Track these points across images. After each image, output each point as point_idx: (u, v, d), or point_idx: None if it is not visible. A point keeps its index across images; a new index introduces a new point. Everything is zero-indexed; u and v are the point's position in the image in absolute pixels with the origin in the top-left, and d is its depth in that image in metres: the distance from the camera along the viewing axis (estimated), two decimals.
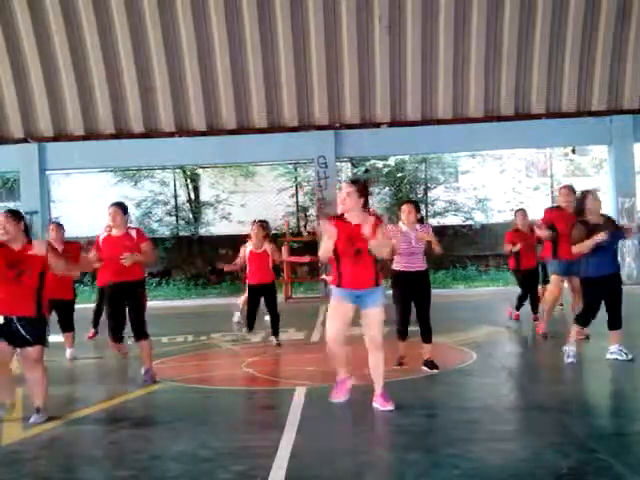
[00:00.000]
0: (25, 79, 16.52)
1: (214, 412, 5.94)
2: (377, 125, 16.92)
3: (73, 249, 8.80)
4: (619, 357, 7.02)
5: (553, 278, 8.84)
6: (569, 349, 7.03)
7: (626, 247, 16.52)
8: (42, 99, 16.66)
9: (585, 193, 7.25)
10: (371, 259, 5.50)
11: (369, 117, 16.91)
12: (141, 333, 6.99)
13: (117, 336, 7.19)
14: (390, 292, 6.99)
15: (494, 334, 9.67)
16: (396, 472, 4.16)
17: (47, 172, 17.49)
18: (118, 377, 7.82)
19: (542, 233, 8.71)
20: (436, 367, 6.98)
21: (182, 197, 22.13)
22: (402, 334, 7.09)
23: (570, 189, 8.95)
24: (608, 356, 7.08)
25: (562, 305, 10.84)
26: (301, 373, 7.34)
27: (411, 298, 6.99)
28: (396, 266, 6.99)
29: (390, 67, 16.42)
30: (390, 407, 5.45)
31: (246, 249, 9.34)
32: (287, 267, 16.54)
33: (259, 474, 4.09)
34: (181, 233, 21.68)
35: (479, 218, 21.84)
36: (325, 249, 5.52)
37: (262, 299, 9.43)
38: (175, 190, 21.69)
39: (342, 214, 5.55)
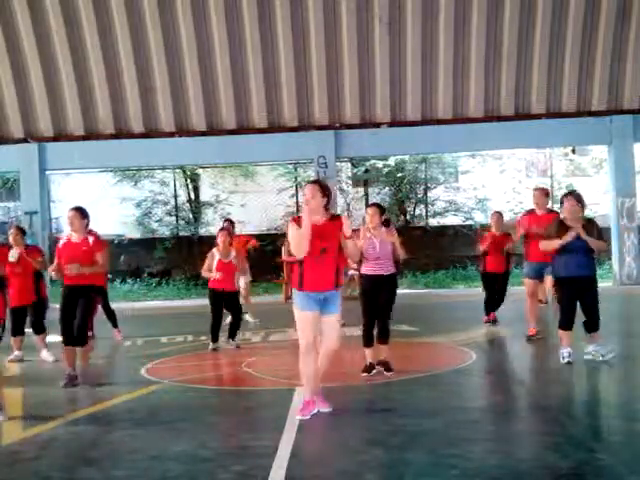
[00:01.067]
0: (25, 79, 16.51)
1: (214, 412, 5.94)
2: (377, 125, 16.91)
3: (32, 253, 8.74)
4: (594, 357, 7.02)
5: (526, 281, 8.86)
6: (564, 351, 7.04)
7: (626, 247, 16.52)
8: (42, 99, 16.66)
9: (564, 196, 7.24)
10: (333, 260, 5.45)
11: (369, 117, 16.90)
12: (80, 336, 6.95)
13: (68, 340, 7.01)
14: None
15: (494, 334, 9.67)
16: (396, 472, 4.16)
17: (47, 172, 17.47)
18: (118, 377, 7.82)
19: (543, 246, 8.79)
20: (391, 370, 6.86)
21: (182, 197, 22.11)
22: (368, 340, 6.93)
23: (542, 191, 9.00)
24: (585, 357, 7.09)
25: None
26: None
27: (377, 301, 6.89)
28: (363, 270, 6.97)
29: (390, 67, 16.41)
30: (326, 408, 5.42)
31: (214, 258, 9.24)
32: (286, 267, 16.53)
33: (259, 474, 4.09)
34: (181, 233, 21.66)
35: (479, 218, 21.82)
36: (299, 245, 5.40)
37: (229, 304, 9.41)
38: (175, 190, 21.68)
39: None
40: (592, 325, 7.01)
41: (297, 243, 5.41)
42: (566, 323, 6.99)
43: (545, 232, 7.25)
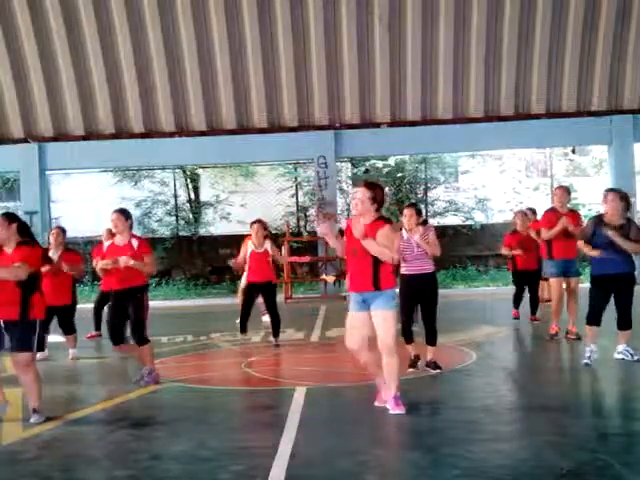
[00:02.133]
0: (25, 79, 16.51)
1: (214, 412, 5.93)
2: (377, 125, 16.91)
3: (70, 258, 8.76)
4: (625, 357, 6.99)
5: (552, 281, 8.85)
6: (587, 349, 7.00)
7: None
8: (42, 99, 16.66)
9: (606, 192, 7.16)
10: (369, 262, 5.39)
11: (369, 117, 16.90)
12: (141, 339, 6.90)
13: (118, 344, 7.05)
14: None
15: (494, 334, 9.67)
16: (396, 472, 4.16)
17: (47, 172, 17.49)
18: (118, 377, 7.81)
19: (544, 234, 8.76)
20: (439, 367, 7.00)
21: (182, 197, 22.12)
22: (407, 337, 7.09)
23: (564, 190, 8.98)
24: (615, 355, 7.06)
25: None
26: (301, 373, 7.34)
27: (415, 301, 7.06)
28: (402, 270, 7.04)
29: (390, 67, 16.41)
30: (400, 411, 5.37)
31: (247, 249, 9.29)
32: (287, 267, 16.54)
33: (259, 474, 4.08)
34: (181, 233, 21.67)
35: (479, 218, 21.84)
36: (339, 248, 5.63)
37: (260, 299, 9.41)
38: (175, 190, 21.69)
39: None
40: (625, 323, 6.98)
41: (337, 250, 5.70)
42: (593, 319, 6.98)
43: (582, 232, 7.21)
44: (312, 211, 19.75)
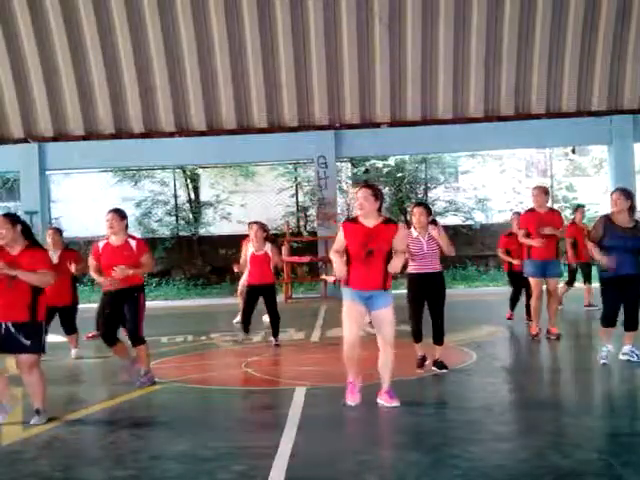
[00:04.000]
0: (25, 79, 16.51)
1: (214, 412, 5.94)
2: (377, 125, 16.91)
3: (71, 257, 8.77)
4: (631, 358, 6.96)
5: (531, 281, 8.87)
6: (603, 349, 6.97)
7: None
8: (42, 99, 16.65)
9: (613, 192, 7.14)
10: (382, 262, 5.51)
11: (369, 117, 16.90)
12: (136, 339, 6.87)
13: (110, 343, 6.98)
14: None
15: (494, 334, 9.67)
16: (396, 472, 4.16)
17: (47, 172, 17.48)
18: (118, 377, 7.81)
19: (520, 238, 8.87)
20: (445, 367, 6.98)
21: (182, 197, 22.12)
22: (417, 336, 7.08)
23: (541, 189, 9.01)
24: (620, 356, 7.03)
25: (562, 304, 10.89)
26: (301, 373, 7.34)
27: (424, 299, 7.03)
28: (410, 269, 7.04)
29: (390, 67, 16.41)
30: (395, 403, 5.53)
31: (248, 251, 9.32)
32: (287, 267, 16.54)
33: (259, 474, 4.09)
34: (181, 233, 21.67)
35: (479, 218, 21.84)
36: (336, 249, 5.64)
37: (261, 300, 9.42)
38: (175, 190, 21.69)
39: (356, 217, 5.66)
40: (631, 324, 6.96)
41: (333, 254, 5.64)
42: (607, 321, 6.96)
43: (591, 233, 7.19)
44: (312, 211, 19.74)
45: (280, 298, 16.33)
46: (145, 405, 6.27)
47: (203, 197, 22.32)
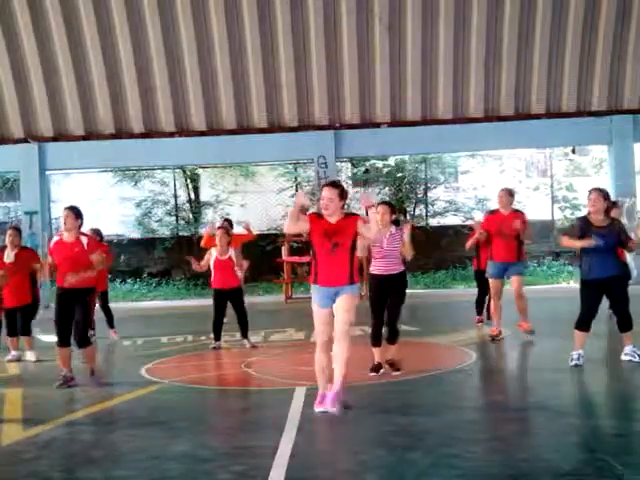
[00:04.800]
0: (25, 79, 16.50)
1: (214, 412, 5.94)
2: (377, 125, 16.90)
3: (27, 256, 8.75)
4: (633, 359, 6.92)
5: (490, 282, 8.91)
6: (574, 353, 6.95)
7: None
8: (42, 99, 16.65)
9: (590, 191, 7.16)
10: (347, 256, 5.58)
11: (369, 117, 16.90)
12: (84, 341, 6.96)
13: (64, 343, 7.00)
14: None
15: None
16: (396, 472, 4.16)
17: (47, 172, 17.47)
18: (118, 377, 7.81)
19: (478, 236, 8.90)
20: (397, 369, 6.88)
21: (182, 197, 22.10)
22: (375, 339, 6.94)
23: (507, 191, 9.05)
24: (622, 357, 7.00)
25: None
26: (301, 373, 7.33)
27: (385, 300, 6.91)
28: (372, 269, 6.99)
29: (390, 67, 16.41)
30: (333, 409, 5.34)
31: (211, 256, 9.34)
32: (287, 267, 16.54)
33: (259, 474, 4.09)
34: (181, 233, 21.66)
35: (479, 218, 21.80)
36: (290, 223, 5.74)
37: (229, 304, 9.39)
38: (175, 190, 21.66)
39: (322, 214, 5.69)
40: (624, 324, 6.93)
41: (287, 224, 5.80)
42: (582, 323, 6.91)
43: (569, 230, 7.21)
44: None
45: (280, 298, 16.38)
46: (145, 405, 6.27)
47: (203, 197, 22.31)
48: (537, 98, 16.65)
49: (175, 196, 21.65)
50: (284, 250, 16.22)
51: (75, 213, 7.00)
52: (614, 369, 6.88)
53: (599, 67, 16.35)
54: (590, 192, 7.13)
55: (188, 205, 22.21)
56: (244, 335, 9.27)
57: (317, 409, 5.52)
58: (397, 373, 6.85)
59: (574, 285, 12.06)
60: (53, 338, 9.06)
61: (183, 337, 10.48)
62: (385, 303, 6.91)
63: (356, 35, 16.13)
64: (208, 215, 21.77)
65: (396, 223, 7.04)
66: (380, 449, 4.57)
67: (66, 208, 7.06)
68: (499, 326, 8.87)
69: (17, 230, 9.09)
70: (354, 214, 5.87)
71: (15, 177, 18.89)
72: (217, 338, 9.23)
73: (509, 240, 8.69)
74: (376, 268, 6.94)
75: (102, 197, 20.07)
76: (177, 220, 21.71)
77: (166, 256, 20.81)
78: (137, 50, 16.25)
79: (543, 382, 6.69)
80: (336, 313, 5.59)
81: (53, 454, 4.78)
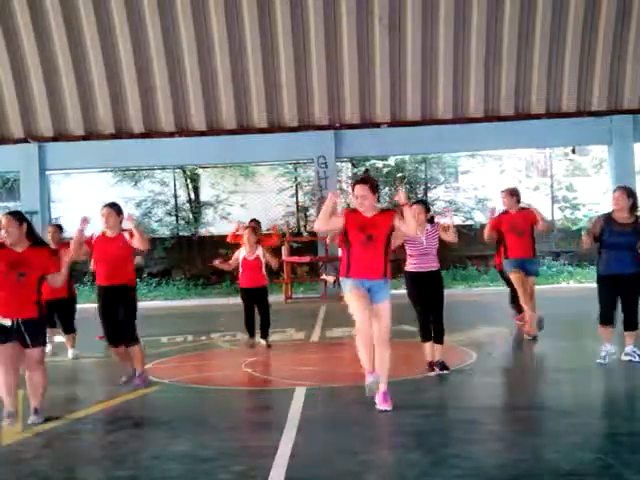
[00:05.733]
0: (25, 79, 16.50)
1: (214, 412, 5.94)
2: (377, 125, 16.90)
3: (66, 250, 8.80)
4: (633, 359, 6.89)
5: (512, 276, 8.90)
6: (602, 348, 6.95)
7: None
8: (42, 99, 16.65)
9: (614, 190, 7.15)
10: (382, 249, 5.62)
11: (369, 117, 16.89)
12: (132, 339, 6.85)
13: (115, 342, 6.93)
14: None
15: (494, 334, 9.67)
16: (396, 472, 4.16)
17: (47, 172, 17.47)
18: (118, 377, 7.81)
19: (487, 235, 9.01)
20: (447, 368, 6.91)
21: (182, 197, 22.11)
22: (425, 335, 6.98)
23: (507, 192, 9.07)
24: (622, 357, 6.97)
25: None
26: (301, 373, 7.34)
27: (426, 297, 6.97)
28: (409, 267, 7.02)
29: (390, 67, 16.40)
30: (386, 407, 5.46)
31: (240, 254, 9.31)
32: (287, 267, 16.54)
33: (259, 474, 4.09)
34: (181, 233, 21.67)
35: (479, 218, 21.82)
36: (323, 221, 5.73)
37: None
38: (175, 190, 21.68)
39: (356, 208, 5.75)
40: (630, 323, 6.92)
41: (319, 222, 5.79)
42: (604, 319, 6.92)
43: (589, 229, 7.21)
44: (312, 211, 19.74)
45: (280, 298, 16.37)
46: (145, 405, 6.27)
47: (203, 197, 22.32)
48: (537, 98, 16.65)
49: (175, 196, 21.66)
50: (284, 250, 16.21)
51: (116, 210, 6.91)
52: (614, 369, 6.88)
53: (599, 67, 16.35)
54: (614, 190, 7.12)
55: (188, 205, 22.22)
56: (264, 336, 9.20)
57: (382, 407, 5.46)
58: (447, 372, 6.83)
59: (574, 285, 12.04)
60: (59, 339, 9.11)
61: (183, 337, 10.48)
62: (426, 299, 6.94)
63: (356, 35, 16.13)
64: (208, 215, 21.80)
65: (430, 221, 7.11)
66: (380, 449, 4.57)
67: (105, 205, 6.93)
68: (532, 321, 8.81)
69: (57, 227, 9.35)
70: (390, 209, 5.94)
71: (15, 177, 18.90)
72: (251, 335, 9.19)
73: (523, 237, 8.70)
74: (413, 265, 6.97)
75: (102, 197, 20.03)
76: (177, 220, 21.72)
77: (166, 256, 20.82)
78: (137, 50, 16.24)
79: (543, 382, 6.70)
80: (376, 321, 5.57)
81: (53, 454, 4.79)
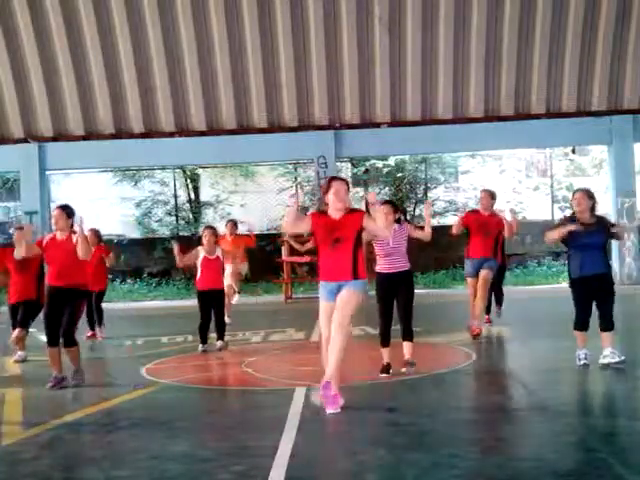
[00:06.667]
0: (25, 79, 16.51)
1: (214, 412, 5.93)
2: (377, 125, 16.91)
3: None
4: (612, 360, 6.76)
5: (468, 281, 9.07)
6: (579, 352, 6.89)
7: (626, 247, 16.52)
8: (42, 99, 16.66)
9: (574, 192, 7.20)
10: (350, 251, 5.60)
11: (369, 117, 16.90)
12: (69, 343, 6.89)
13: (52, 343, 6.90)
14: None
15: (494, 334, 9.66)
16: (396, 472, 4.16)
17: (47, 172, 17.48)
18: (117, 377, 7.81)
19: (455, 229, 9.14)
20: (413, 364, 6.81)
21: (182, 197, 22.11)
22: (384, 339, 6.87)
23: (488, 193, 9.12)
24: (601, 360, 6.83)
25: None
26: (301, 373, 7.33)
27: (393, 299, 6.90)
28: (378, 268, 6.98)
29: (390, 67, 16.41)
30: (332, 409, 5.36)
31: (200, 253, 9.25)
32: (287, 267, 16.54)
33: (259, 474, 4.08)
34: (181, 233, 21.67)
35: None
36: (289, 223, 5.86)
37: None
38: (175, 190, 21.68)
39: (325, 210, 5.75)
40: (606, 324, 6.84)
41: (286, 223, 5.94)
42: (580, 324, 6.86)
43: (554, 227, 7.22)
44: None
45: (280, 298, 16.37)
46: (145, 405, 6.26)
47: (203, 197, 22.32)
48: (537, 98, 16.66)
49: (175, 196, 21.66)
50: (284, 250, 16.21)
51: (67, 212, 6.99)
52: (613, 369, 6.87)
53: (599, 67, 16.36)
54: (574, 193, 7.14)
55: (188, 205, 22.22)
56: (221, 337, 9.16)
57: (324, 405, 5.40)
58: (411, 369, 6.76)
59: None
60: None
61: (183, 337, 10.48)
62: (392, 302, 6.89)
63: (356, 35, 16.14)
64: (208, 215, 21.79)
65: (397, 222, 7.05)
66: (380, 449, 4.56)
67: (57, 207, 7.07)
68: (481, 324, 8.96)
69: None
70: (359, 210, 5.91)
71: (15, 177, 18.91)
72: (203, 341, 9.10)
73: (488, 239, 8.91)
74: (381, 266, 6.94)
75: (102, 197, 20.06)
76: (177, 220, 21.72)
77: (166, 256, 20.78)
78: (137, 50, 16.25)
79: (543, 382, 6.68)
80: (337, 306, 5.58)
81: (53, 454, 4.78)
